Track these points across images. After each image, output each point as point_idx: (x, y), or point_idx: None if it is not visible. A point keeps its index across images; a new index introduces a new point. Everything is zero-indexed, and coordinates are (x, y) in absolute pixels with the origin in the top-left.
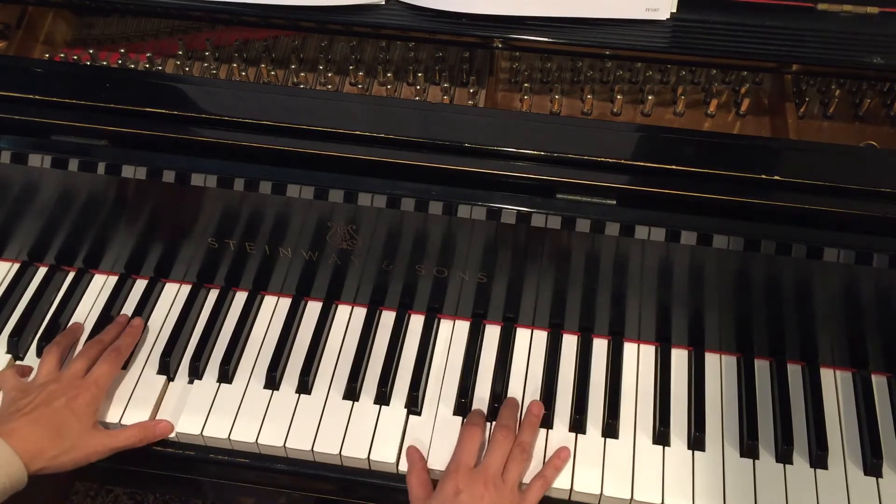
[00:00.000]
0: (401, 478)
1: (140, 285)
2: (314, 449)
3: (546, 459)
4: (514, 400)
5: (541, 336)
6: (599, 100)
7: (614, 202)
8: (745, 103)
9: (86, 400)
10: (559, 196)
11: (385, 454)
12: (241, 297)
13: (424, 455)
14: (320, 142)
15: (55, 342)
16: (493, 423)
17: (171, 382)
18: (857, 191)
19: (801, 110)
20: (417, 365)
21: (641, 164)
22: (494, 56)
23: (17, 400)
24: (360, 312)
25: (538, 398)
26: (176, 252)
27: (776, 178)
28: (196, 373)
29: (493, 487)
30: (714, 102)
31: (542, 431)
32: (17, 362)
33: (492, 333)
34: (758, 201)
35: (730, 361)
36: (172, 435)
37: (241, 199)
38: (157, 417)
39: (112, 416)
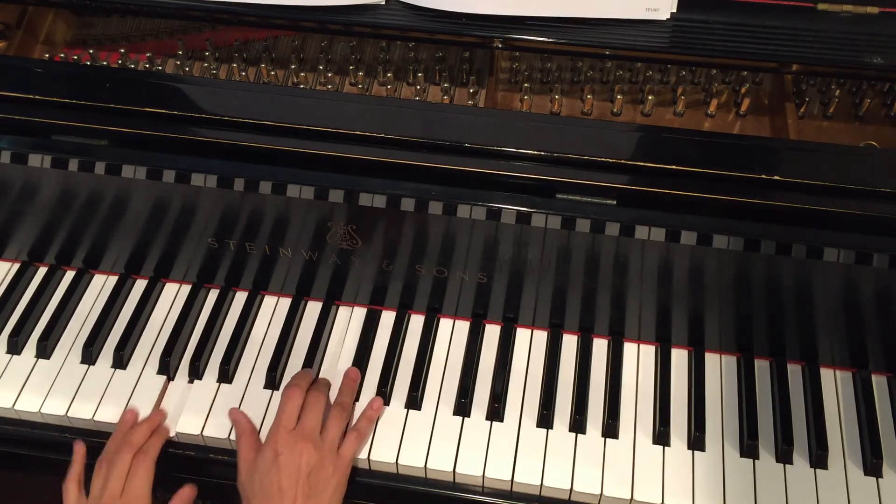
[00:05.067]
0: (400, 478)
1: (140, 285)
2: None
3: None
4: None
5: (541, 336)
6: (599, 100)
7: (614, 202)
8: (745, 103)
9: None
10: (559, 196)
11: (385, 454)
12: (241, 297)
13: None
14: (320, 142)
15: (104, 457)
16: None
17: (171, 382)
18: (857, 191)
19: (801, 110)
20: (417, 365)
21: (641, 164)
22: (494, 56)
23: None
24: (360, 312)
25: (538, 398)
26: (176, 252)
27: (776, 178)
28: (196, 373)
29: (311, 444)
30: (714, 102)
31: (542, 431)
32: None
33: (492, 333)
34: (758, 201)
35: (730, 361)
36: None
37: (241, 199)
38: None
39: (111, 417)
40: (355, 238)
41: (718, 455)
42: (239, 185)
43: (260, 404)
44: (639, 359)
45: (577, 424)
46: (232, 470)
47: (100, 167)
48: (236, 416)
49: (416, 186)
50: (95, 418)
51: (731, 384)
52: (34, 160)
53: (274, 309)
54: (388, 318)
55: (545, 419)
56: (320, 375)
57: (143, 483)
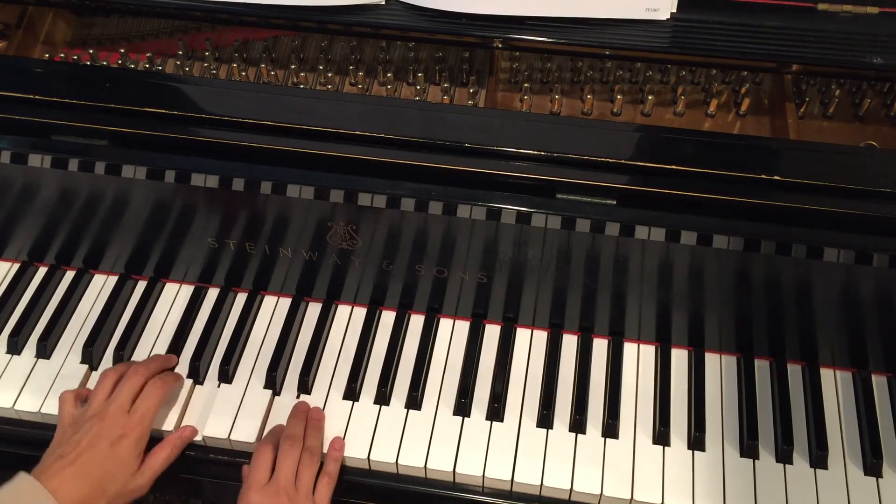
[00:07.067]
0: (400, 478)
1: (140, 285)
2: None
3: (559, 460)
4: (302, 406)
5: (541, 336)
6: (599, 100)
7: (614, 202)
8: (745, 103)
9: (130, 442)
10: (559, 196)
11: (385, 454)
12: (241, 298)
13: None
14: (320, 142)
15: (114, 369)
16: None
17: None
18: (857, 191)
19: (801, 110)
20: (417, 365)
21: (641, 164)
22: (494, 56)
23: (66, 440)
24: (360, 312)
25: (538, 398)
26: (176, 252)
27: (776, 178)
28: (196, 373)
29: (286, 497)
30: (714, 102)
31: (542, 431)
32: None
33: (492, 333)
34: (758, 201)
35: (730, 361)
36: (199, 438)
37: (241, 199)
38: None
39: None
40: (355, 238)
41: (718, 455)
42: (239, 185)
43: (260, 404)
44: (639, 359)
45: (577, 424)
46: (231, 470)
47: (100, 167)
48: (245, 470)
49: (416, 186)
50: None
51: (731, 384)
52: (34, 160)
53: (274, 309)
54: (388, 318)
55: (545, 419)
56: (318, 377)
57: (153, 406)
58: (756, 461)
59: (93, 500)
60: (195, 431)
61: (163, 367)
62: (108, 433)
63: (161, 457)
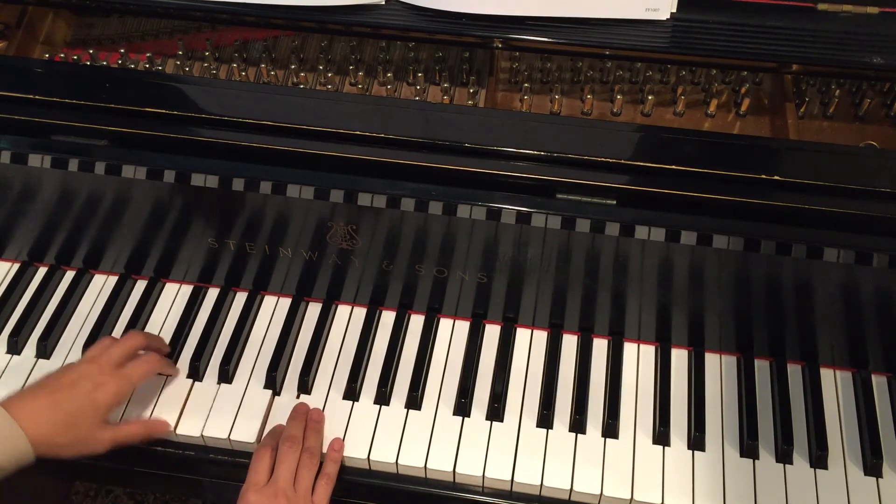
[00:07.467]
0: (400, 478)
1: (140, 285)
2: None
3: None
4: (302, 407)
5: (541, 336)
6: (599, 100)
7: (614, 202)
8: (745, 103)
9: (112, 389)
10: (559, 196)
11: (385, 454)
12: (241, 297)
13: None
14: (320, 142)
15: (112, 336)
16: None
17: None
18: (857, 191)
19: (801, 110)
20: (417, 365)
21: (641, 164)
22: (494, 56)
23: (49, 377)
24: (360, 312)
25: (538, 398)
26: (176, 252)
27: (776, 178)
28: (196, 373)
29: (284, 498)
30: (714, 102)
31: (542, 431)
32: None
33: (492, 333)
34: (758, 201)
35: (730, 361)
36: (187, 436)
37: (241, 199)
38: (158, 417)
39: (113, 415)
40: (355, 238)
41: (718, 455)
42: (239, 185)
43: (260, 404)
44: (639, 359)
45: (577, 424)
46: (231, 470)
47: (100, 167)
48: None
49: (416, 186)
50: None
51: (731, 384)
52: (34, 160)
53: (274, 309)
54: (388, 318)
55: (545, 419)
56: (318, 377)
57: (142, 372)
58: (756, 461)
59: (57, 436)
60: (168, 427)
61: (160, 348)
62: (94, 377)
63: (130, 429)
